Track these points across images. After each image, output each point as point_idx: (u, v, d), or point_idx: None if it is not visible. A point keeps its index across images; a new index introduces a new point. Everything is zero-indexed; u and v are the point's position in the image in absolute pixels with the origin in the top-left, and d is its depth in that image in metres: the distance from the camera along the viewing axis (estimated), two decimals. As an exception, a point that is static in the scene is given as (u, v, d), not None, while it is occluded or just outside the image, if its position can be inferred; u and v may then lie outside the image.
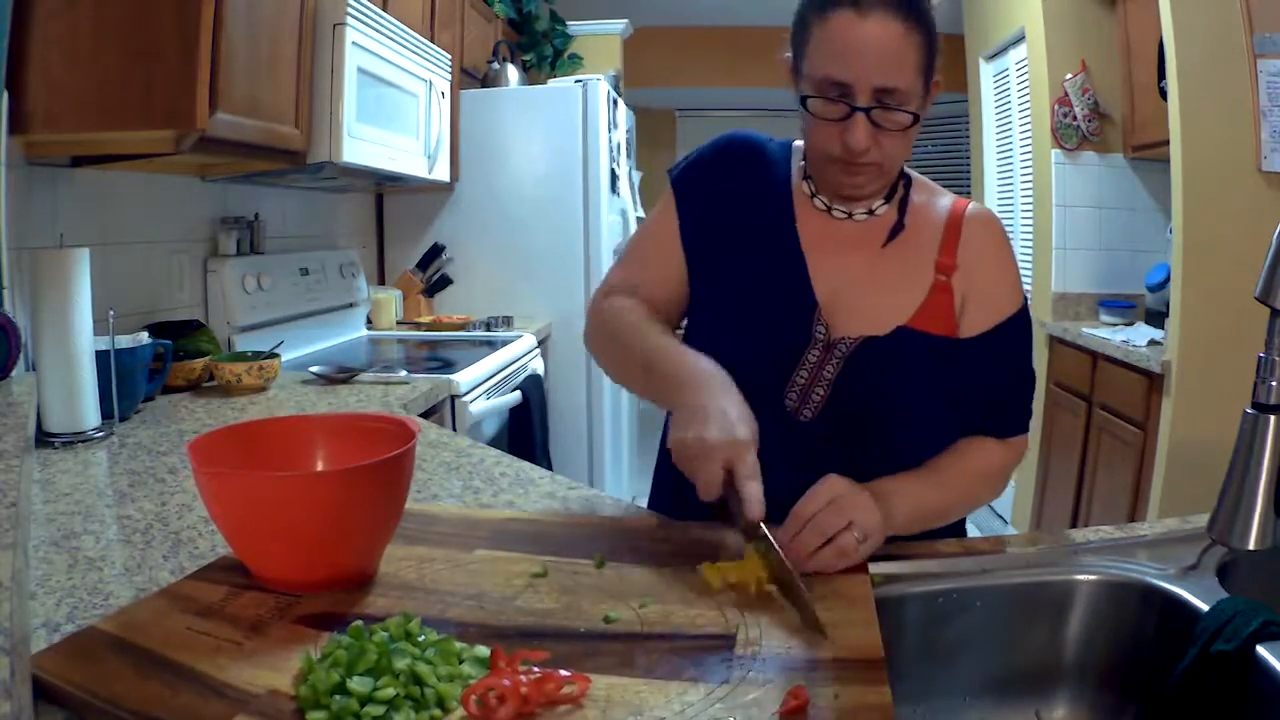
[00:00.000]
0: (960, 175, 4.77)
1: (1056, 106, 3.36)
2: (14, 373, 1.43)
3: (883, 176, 1.03)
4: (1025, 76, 3.63)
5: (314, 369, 2.13)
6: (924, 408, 1.06)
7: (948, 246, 1.06)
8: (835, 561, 0.84)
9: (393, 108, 2.50)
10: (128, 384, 1.62)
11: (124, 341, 1.66)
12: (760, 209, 1.09)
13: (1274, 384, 0.76)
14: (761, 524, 0.82)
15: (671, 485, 1.07)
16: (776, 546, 0.81)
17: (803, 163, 1.11)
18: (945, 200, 1.11)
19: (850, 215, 1.08)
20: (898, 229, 1.07)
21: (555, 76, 4.02)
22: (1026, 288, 3.74)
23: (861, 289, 1.05)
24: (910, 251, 1.07)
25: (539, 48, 4.17)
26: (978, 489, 1.07)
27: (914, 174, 1.13)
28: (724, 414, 0.86)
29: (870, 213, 1.08)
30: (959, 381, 1.05)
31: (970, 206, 1.10)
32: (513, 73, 3.58)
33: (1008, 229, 4.28)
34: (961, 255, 1.06)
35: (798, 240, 1.07)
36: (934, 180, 1.15)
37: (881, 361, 1.03)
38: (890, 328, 1.03)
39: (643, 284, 1.12)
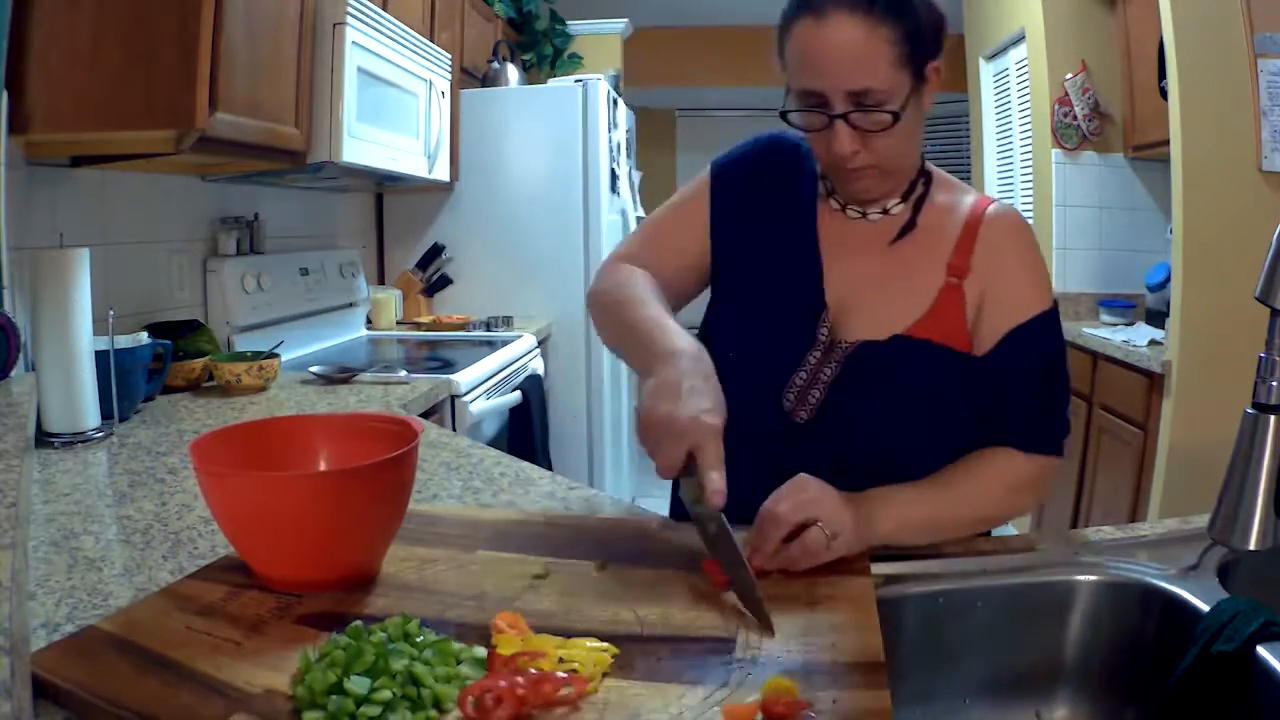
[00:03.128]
0: (960, 175, 4.74)
1: (1056, 106, 3.36)
2: (14, 373, 1.43)
3: (887, 178, 1.02)
4: (1025, 76, 3.63)
5: (314, 369, 2.13)
6: (924, 417, 1.02)
7: (962, 248, 1.03)
8: (801, 558, 0.83)
9: (393, 107, 2.49)
10: (127, 384, 1.62)
11: (124, 341, 1.66)
12: (787, 210, 1.09)
13: (1274, 384, 0.76)
14: (721, 515, 0.80)
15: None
16: (733, 537, 0.79)
17: None
18: (968, 199, 1.07)
19: (865, 215, 1.07)
20: (909, 226, 1.05)
21: (555, 76, 4.02)
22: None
23: (871, 290, 1.04)
24: (923, 251, 1.04)
25: (539, 47, 4.17)
26: (997, 500, 1.01)
27: (939, 172, 1.10)
28: (695, 395, 0.82)
29: (885, 212, 1.06)
30: (979, 391, 1.01)
31: (992, 207, 1.05)
32: (513, 72, 3.57)
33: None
34: (977, 258, 1.02)
35: (816, 242, 1.07)
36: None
37: (878, 367, 1.01)
38: (892, 332, 1.01)
39: (659, 254, 1.12)
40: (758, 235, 1.09)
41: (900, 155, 1.01)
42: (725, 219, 1.11)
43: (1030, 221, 3.65)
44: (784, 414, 1.03)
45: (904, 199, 1.07)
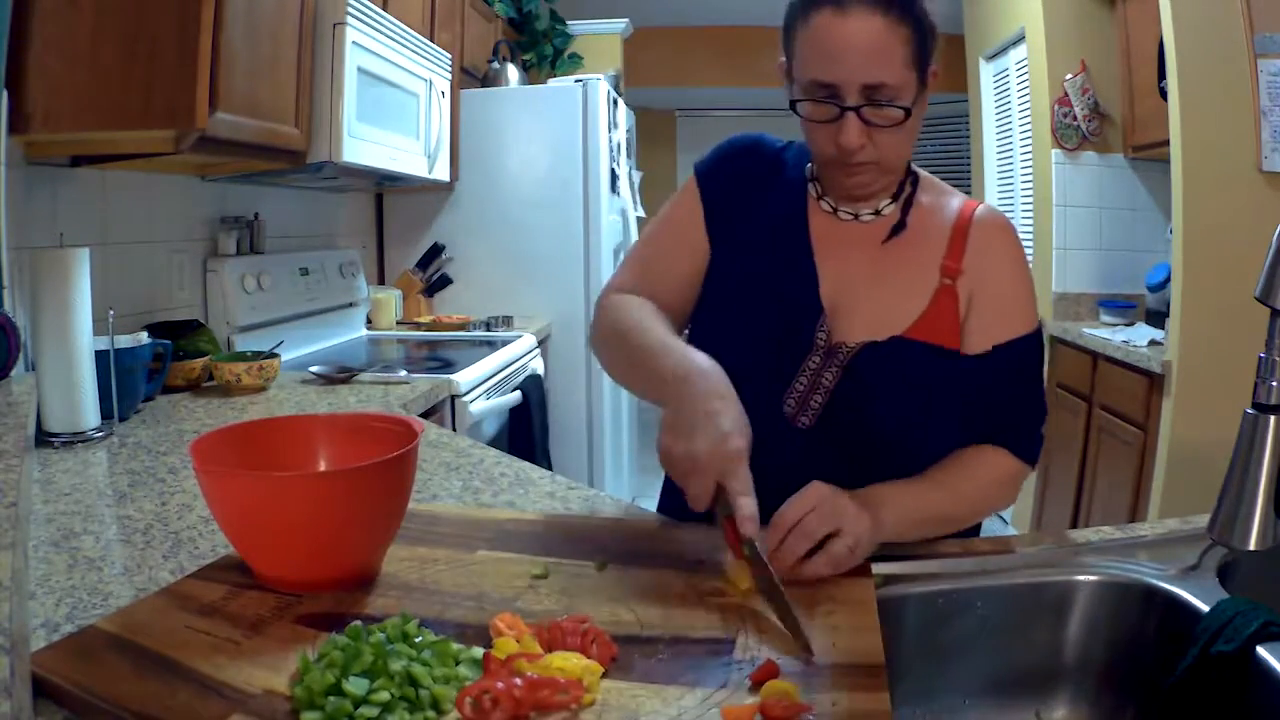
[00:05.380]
0: (960, 175, 4.77)
1: (1056, 106, 3.36)
2: (14, 373, 1.43)
3: (884, 174, 1.03)
4: (1025, 76, 3.63)
5: (314, 369, 2.13)
6: (924, 417, 1.03)
7: (954, 249, 1.04)
8: (826, 569, 0.82)
9: (393, 107, 2.49)
10: (127, 384, 1.62)
11: (124, 341, 1.66)
12: (775, 211, 1.09)
13: (1274, 384, 0.76)
14: (754, 541, 0.79)
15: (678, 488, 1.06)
16: (768, 564, 0.78)
17: (811, 165, 1.10)
18: (955, 201, 1.09)
19: (857, 216, 1.07)
20: (899, 227, 1.05)
21: (555, 76, 4.02)
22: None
23: (865, 291, 1.04)
24: (915, 253, 1.05)
25: (539, 47, 4.17)
26: (986, 494, 1.03)
27: (924, 173, 1.11)
28: (715, 422, 0.80)
29: (876, 213, 1.07)
30: (966, 393, 1.03)
31: (980, 209, 1.07)
32: (513, 72, 3.57)
33: (1008, 229, 4.25)
34: (969, 259, 1.03)
35: (809, 244, 1.06)
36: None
37: (879, 370, 1.01)
38: (890, 334, 1.01)
39: (655, 280, 1.10)
40: (746, 238, 1.08)
41: (900, 154, 1.02)
42: (719, 221, 1.10)
43: (1030, 221, 3.65)
44: (785, 420, 1.02)
45: (894, 199, 1.07)
